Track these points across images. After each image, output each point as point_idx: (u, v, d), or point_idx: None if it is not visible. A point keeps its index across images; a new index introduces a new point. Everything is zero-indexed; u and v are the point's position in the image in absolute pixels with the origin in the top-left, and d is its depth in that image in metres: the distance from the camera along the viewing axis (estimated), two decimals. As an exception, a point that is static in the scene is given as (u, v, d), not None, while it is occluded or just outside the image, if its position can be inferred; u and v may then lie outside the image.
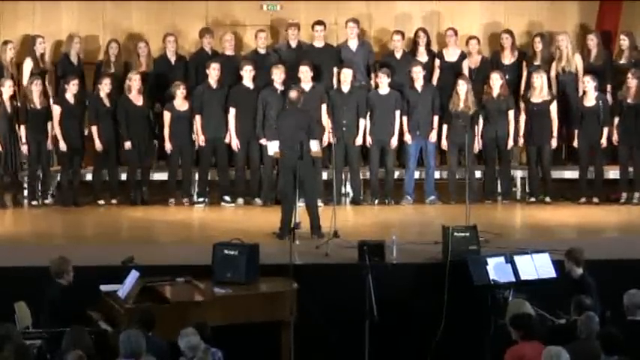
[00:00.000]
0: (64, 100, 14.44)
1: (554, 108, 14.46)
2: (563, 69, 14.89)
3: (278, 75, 14.25)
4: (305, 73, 14.18)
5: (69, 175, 14.58)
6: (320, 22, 15.18)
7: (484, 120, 14.41)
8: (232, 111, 14.36)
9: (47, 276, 10.20)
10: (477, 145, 14.44)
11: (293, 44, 15.17)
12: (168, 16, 16.08)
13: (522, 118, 14.51)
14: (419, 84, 14.48)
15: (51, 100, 14.65)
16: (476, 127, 14.38)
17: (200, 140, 14.44)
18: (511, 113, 14.46)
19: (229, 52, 15.14)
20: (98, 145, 14.42)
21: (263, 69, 14.56)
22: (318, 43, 15.13)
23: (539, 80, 14.40)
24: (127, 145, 14.45)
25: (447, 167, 14.81)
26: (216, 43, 15.38)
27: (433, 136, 14.48)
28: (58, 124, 14.35)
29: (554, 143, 14.56)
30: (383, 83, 14.44)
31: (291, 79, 14.31)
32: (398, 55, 15.09)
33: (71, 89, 14.41)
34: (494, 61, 15.21)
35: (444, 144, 14.53)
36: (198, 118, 14.41)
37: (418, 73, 14.48)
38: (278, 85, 14.22)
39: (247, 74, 14.39)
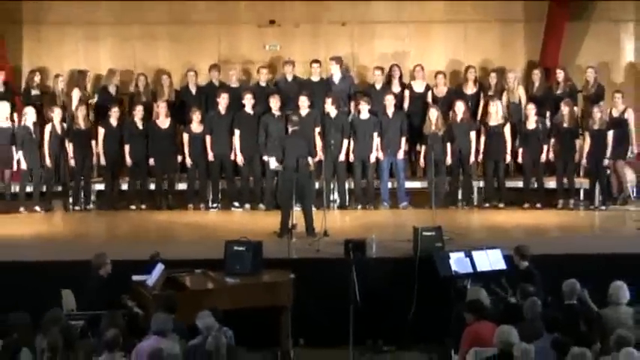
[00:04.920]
0: (107, 124, 14.47)
1: (507, 130, 14.46)
2: (509, 99, 14.97)
3: (275, 103, 14.25)
4: (303, 101, 14.20)
5: (108, 185, 14.59)
6: (316, 61, 15.19)
7: (450, 140, 14.45)
8: (237, 132, 14.35)
9: (89, 268, 10.22)
10: (449, 159, 14.45)
11: (289, 78, 15.16)
12: (188, 54, 16.13)
13: (482, 138, 14.53)
14: (390, 110, 14.49)
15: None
16: (447, 144, 14.41)
17: (210, 156, 14.44)
18: (472, 134, 14.47)
19: (234, 84, 15.16)
20: (128, 161, 14.46)
21: (264, 98, 14.55)
22: (315, 78, 15.13)
23: (495, 107, 14.43)
24: (151, 161, 14.47)
25: (416, 178, 14.91)
26: (225, 76, 15.38)
27: (400, 154, 14.48)
28: (102, 143, 14.37)
29: (507, 158, 14.59)
30: (364, 110, 14.45)
31: (288, 107, 14.36)
32: (378, 86, 15.08)
33: (114, 115, 14.45)
34: (458, 91, 15.19)
35: (422, 162, 14.54)
36: (208, 138, 14.41)
37: (390, 101, 14.51)
38: (275, 112, 14.24)
39: (248, 102, 14.39)
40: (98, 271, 10.17)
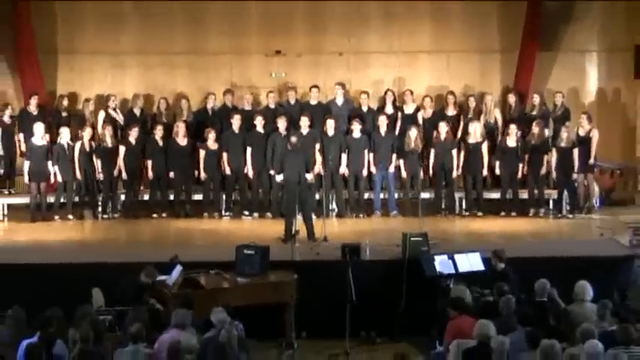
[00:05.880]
0: (127, 142, 14.48)
1: (484, 147, 14.51)
2: (487, 120, 15.03)
3: (282, 123, 14.30)
4: (304, 122, 14.23)
5: (131, 196, 14.61)
6: (315, 86, 15.28)
7: (435, 156, 14.48)
8: (249, 149, 14.38)
9: (136, 273, 10.15)
10: (421, 173, 14.46)
11: (292, 101, 15.27)
12: (203, 80, 16.16)
13: (462, 154, 14.58)
14: (383, 130, 14.52)
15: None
16: (424, 160, 14.44)
17: (227, 170, 14.46)
18: (454, 151, 14.50)
19: (247, 107, 15.20)
20: (150, 175, 14.46)
21: (272, 119, 14.62)
22: (314, 101, 15.20)
23: (473, 127, 14.50)
24: (171, 174, 14.46)
25: (404, 190, 14.91)
26: (238, 100, 15.41)
27: (392, 168, 14.51)
28: (123, 159, 14.40)
29: (484, 172, 14.62)
30: (355, 130, 14.50)
31: (291, 126, 14.40)
32: (365, 108, 15.14)
33: (133, 134, 14.45)
34: (442, 113, 15.24)
35: (403, 174, 14.59)
36: (225, 155, 14.45)
37: (382, 122, 14.54)
38: (282, 131, 14.27)
39: (259, 122, 14.44)
40: (141, 278, 10.13)
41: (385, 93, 15.34)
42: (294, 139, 13.05)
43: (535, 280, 9.68)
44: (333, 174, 14.39)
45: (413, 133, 14.39)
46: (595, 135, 14.44)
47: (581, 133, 14.48)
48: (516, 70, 15.98)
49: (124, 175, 14.43)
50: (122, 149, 14.42)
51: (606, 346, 7.80)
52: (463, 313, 8.95)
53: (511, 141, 14.44)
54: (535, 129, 14.39)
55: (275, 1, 16.11)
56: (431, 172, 14.61)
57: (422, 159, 14.55)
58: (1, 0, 15.46)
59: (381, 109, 15.21)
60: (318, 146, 14.22)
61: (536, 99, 15.14)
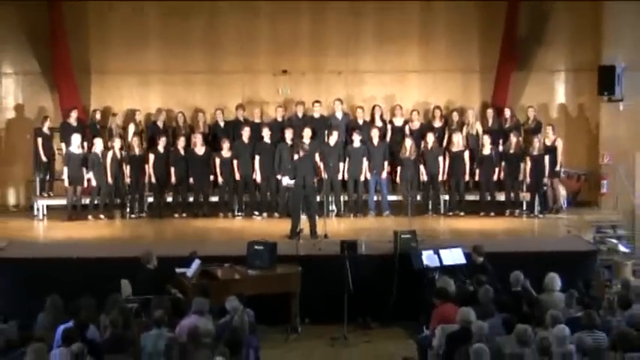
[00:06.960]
0: (156, 151, 14.48)
1: (466, 155, 14.53)
2: (468, 131, 15.06)
3: (289, 135, 14.31)
4: (307, 133, 14.18)
5: (157, 198, 14.60)
6: (317, 101, 15.28)
7: (423, 163, 14.49)
8: (257, 157, 14.38)
9: (140, 263, 10.24)
10: (422, 177, 14.46)
11: (300, 114, 15.25)
12: (219, 96, 16.12)
13: (446, 161, 14.59)
14: (375, 140, 14.53)
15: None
16: (418, 167, 14.43)
17: (237, 176, 14.45)
18: (440, 159, 14.52)
19: (257, 120, 15.19)
20: (173, 180, 14.44)
21: (279, 131, 14.62)
22: (316, 115, 15.19)
23: (456, 138, 14.54)
24: (191, 180, 14.43)
25: (396, 193, 14.87)
26: (249, 113, 15.44)
27: (384, 174, 14.48)
28: (153, 166, 14.40)
29: (466, 177, 14.62)
30: (356, 140, 14.50)
31: (299, 137, 14.42)
32: (360, 121, 15.11)
33: (161, 144, 14.48)
34: (429, 125, 15.22)
35: (398, 180, 14.55)
36: (235, 162, 14.45)
37: (375, 134, 14.53)
38: (289, 141, 14.27)
39: (266, 134, 14.45)
40: (147, 265, 10.19)
41: (373, 108, 15.36)
42: (306, 145, 13.06)
43: (510, 272, 9.69)
44: (333, 179, 14.39)
45: (408, 142, 14.39)
46: (560, 144, 14.54)
47: (548, 143, 14.55)
48: (494, 87, 15.99)
49: (153, 180, 14.43)
50: (152, 157, 14.44)
51: (573, 330, 7.81)
52: (447, 302, 8.96)
53: (485, 150, 14.48)
54: (512, 139, 14.43)
55: (282, 27, 16.14)
56: (422, 176, 14.58)
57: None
58: (40, 26, 15.51)
59: (372, 122, 15.22)
60: (318, 154, 14.18)
61: (507, 112, 15.21)
